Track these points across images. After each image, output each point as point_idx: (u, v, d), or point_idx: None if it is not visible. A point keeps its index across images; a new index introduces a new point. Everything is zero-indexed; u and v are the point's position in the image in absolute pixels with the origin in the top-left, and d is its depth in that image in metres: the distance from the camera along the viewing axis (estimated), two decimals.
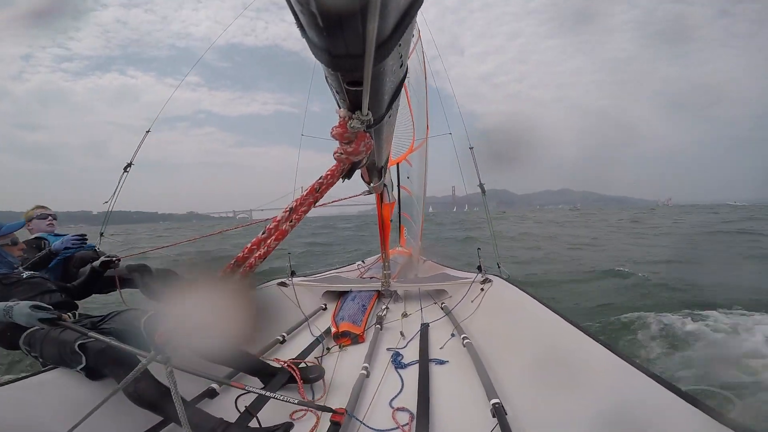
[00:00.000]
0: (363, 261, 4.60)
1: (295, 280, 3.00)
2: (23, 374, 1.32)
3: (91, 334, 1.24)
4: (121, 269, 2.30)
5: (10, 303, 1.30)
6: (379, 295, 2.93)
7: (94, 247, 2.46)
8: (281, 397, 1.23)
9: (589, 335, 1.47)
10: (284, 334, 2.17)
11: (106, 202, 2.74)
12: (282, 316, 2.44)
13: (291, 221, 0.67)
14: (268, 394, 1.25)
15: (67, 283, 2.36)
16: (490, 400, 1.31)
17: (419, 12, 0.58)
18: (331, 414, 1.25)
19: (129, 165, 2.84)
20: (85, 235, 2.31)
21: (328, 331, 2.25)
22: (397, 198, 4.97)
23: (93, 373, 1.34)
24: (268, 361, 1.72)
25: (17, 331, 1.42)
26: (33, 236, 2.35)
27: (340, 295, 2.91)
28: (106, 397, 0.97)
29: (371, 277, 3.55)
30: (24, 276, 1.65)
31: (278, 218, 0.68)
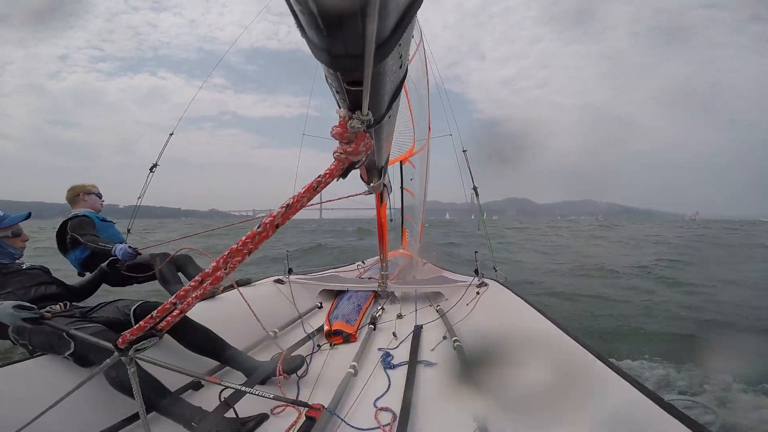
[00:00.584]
0: (363, 261, 4.60)
1: (292, 277, 3.00)
2: (12, 360, 1.34)
3: (72, 331, 1.28)
4: (144, 257, 2.40)
5: None
6: (376, 295, 2.94)
7: (124, 240, 2.55)
8: (257, 392, 1.25)
9: (579, 343, 1.46)
10: (276, 330, 2.18)
11: (140, 197, 2.91)
12: (276, 312, 2.45)
13: (285, 216, 0.69)
14: (244, 388, 1.26)
15: (85, 270, 2.43)
16: (473, 404, 1.31)
17: (426, 18, 0.58)
18: (306, 410, 1.26)
19: (155, 165, 2.93)
20: (138, 250, 2.35)
21: (320, 329, 2.26)
22: (400, 199, 4.99)
23: (82, 359, 1.35)
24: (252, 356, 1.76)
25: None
26: (79, 212, 2.51)
27: (337, 294, 2.92)
28: (79, 383, 1.01)
29: (369, 278, 3.56)
30: (24, 267, 1.67)
31: (274, 213, 0.69)
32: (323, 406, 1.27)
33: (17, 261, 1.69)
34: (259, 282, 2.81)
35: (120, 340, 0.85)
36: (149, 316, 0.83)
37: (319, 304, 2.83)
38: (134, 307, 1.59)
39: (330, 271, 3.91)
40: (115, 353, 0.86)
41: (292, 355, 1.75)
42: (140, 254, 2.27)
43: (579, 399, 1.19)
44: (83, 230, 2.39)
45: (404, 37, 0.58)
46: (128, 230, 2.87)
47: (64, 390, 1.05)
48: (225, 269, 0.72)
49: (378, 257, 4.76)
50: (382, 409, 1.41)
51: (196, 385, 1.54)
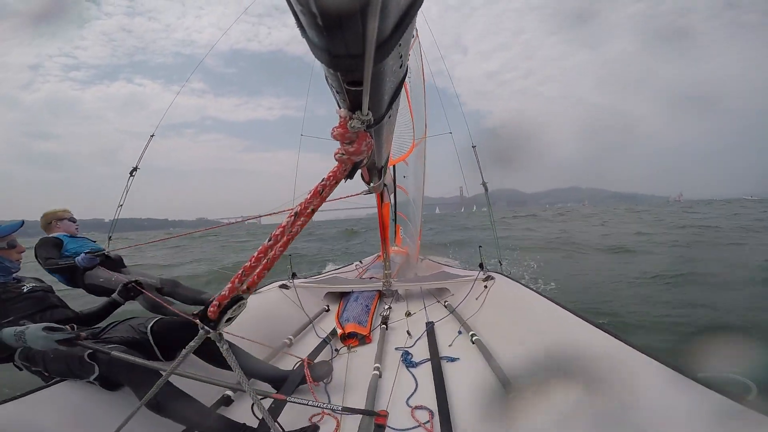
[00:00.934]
0: (361, 261, 4.61)
1: (296, 282, 3.00)
2: (30, 389, 1.24)
3: (114, 354, 1.21)
4: (148, 283, 2.41)
5: (20, 328, 1.21)
6: (381, 294, 2.94)
7: (102, 249, 2.52)
8: (305, 401, 1.23)
9: (595, 326, 1.49)
10: (291, 337, 2.18)
11: (120, 205, 2.82)
12: (286, 318, 2.45)
13: (296, 226, 0.67)
14: (293, 399, 1.25)
15: (72, 286, 2.42)
16: (508, 394, 1.32)
17: (421, 13, 0.58)
18: (371, 416, 1.26)
19: (135, 169, 2.89)
20: (103, 250, 2.46)
21: (333, 333, 2.25)
22: (393, 197, 4.99)
23: (107, 382, 1.28)
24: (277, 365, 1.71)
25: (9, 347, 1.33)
26: (52, 235, 2.48)
27: (342, 296, 2.92)
28: (132, 412, 0.95)
29: (371, 277, 3.56)
30: (24, 290, 1.54)
31: (284, 224, 0.67)
32: (388, 413, 1.27)
33: (14, 276, 1.58)
34: (264, 288, 2.81)
35: (209, 312, 0.74)
36: (228, 287, 0.73)
37: (327, 307, 2.83)
38: (151, 324, 1.51)
39: (331, 272, 3.92)
40: (201, 331, 0.75)
41: (316, 362, 1.72)
42: (102, 257, 2.36)
43: (605, 378, 1.21)
44: (43, 253, 2.33)
45: (404, 37, 0.57)
46: (109, 237, 2.82)
47: (98, 416, 1.03)
48: (242, 286, 0.69)
49: (375, 256, 4.76)
50: (417, 407, 1.42)
51: (226, 401, 1.51)
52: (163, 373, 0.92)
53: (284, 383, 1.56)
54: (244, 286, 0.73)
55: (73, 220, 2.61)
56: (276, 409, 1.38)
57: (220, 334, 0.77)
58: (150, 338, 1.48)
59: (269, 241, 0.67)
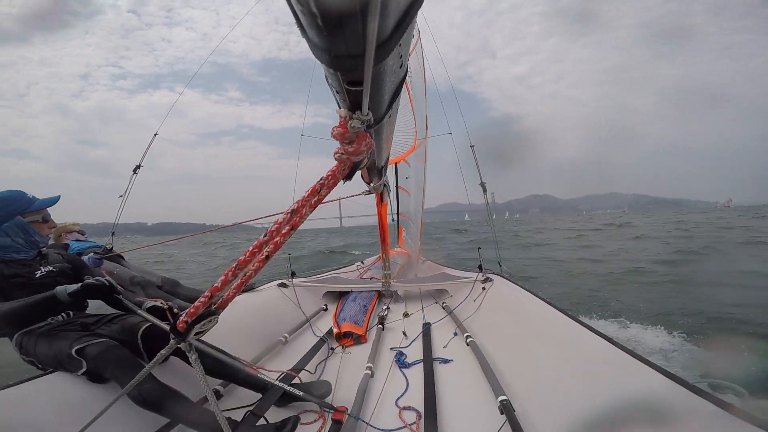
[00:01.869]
0: (362, 262, 4.61)
1: (295, 281, 3.00)
2: (22, 379, 1.28)
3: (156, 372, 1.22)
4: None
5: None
6: (380, 295, 2.94)
7: (102, 245, 2.60)
8: (288, 388, 1.25)
9: (591, 330, 1.48)
10: (286, 335, 2.17)
11: (123, 198, 2.90)
12: (283, 316, 2.45)
13: (292, 223, 0.67)
14: (286, 387, 1.27)
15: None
16: (497, 397, 1.32)
17: (422, 13, 0.58)
18: (332, 412, 1.25)
19: (138, 167, 2.91)
20: (105, 247, 2.59)
21: (330, 332, 2.25)
22: (396, 198, 4.99)
23: (95, 376, 1.31)
24: (266, 371, 1.62)
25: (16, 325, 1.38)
26: (62, 243, 2.72)
27: (341, 296, 2.92)
28: (109, 403, 0.97)
29: (371, 278, 3.56)
30: (37, 276, 1.48)
31: (280, 221, 0.67)
32: (347, 409, 1.27)
33: (41, 249, 1.55)
34: (262, 287, 2.81)
35: (178, 324, 0.78)
36: (202, 297, 0.76)
37: (325, 307, 2.83)
38: (142, 329, 1.48)
39: (331, 273, 3.92)
40: (172, 340, 0.80)
41: (318, 380, 1.63)
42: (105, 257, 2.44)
43: (599, 383, 1.21)
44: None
45: (404, 37, 0.57)
46: (112, 234, 2.90)
47: (84, 409, 1.05)
48: (234, 280, 0.70)
49: (377, 257, 4.76)
50: (405, 408, 1.42)
51: (215, 395, 1.48)
52: (157, 374, 0.94)
53: (266, 392, 1.48)
54: (217, 303, 0.78)
55: (81, 233, 2.83)
56: (260, 409, 1.37)
57: (190, 345, 0.82)
58: (140, 344, 1.46)
59: (265, 236, 0.67)
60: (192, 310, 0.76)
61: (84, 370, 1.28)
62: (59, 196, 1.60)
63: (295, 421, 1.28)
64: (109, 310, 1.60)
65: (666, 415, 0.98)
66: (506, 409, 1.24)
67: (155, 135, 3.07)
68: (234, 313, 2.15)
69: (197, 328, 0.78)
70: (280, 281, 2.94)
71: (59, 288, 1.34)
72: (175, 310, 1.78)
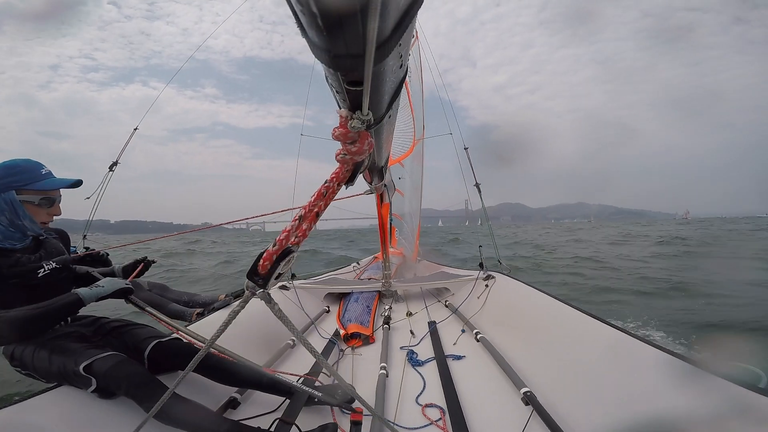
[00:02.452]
0: (358, 262, 4.61)
1: (296, 283, 3.00)
2: (25, 393, 1.20)
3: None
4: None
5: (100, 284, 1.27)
6: (381, 295, 2.94)
7: (75, 249, 2.49)
8: (316, 394, 1.26)
9: (599, 320, 1.50)
10: (293, 338, 2.17)
11: (97, 198, 2.76)
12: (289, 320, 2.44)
13: (301, 230, 0.65)
14: (305, 388, 1.27)
15: None
16: (519, 389, 1.34)
17: (418, 15, 0.58)
18: (351, 414, 1.25)
19: (114, 164, 2.84)
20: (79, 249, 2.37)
21: (336, 334, 2.25)
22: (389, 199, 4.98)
23: (106, 393, 1.21)
24: (285, 374, 1.52)
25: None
26: None
27: (342, 297, 2.91)
28: (140, 425, 0.89)
29: (369, 278, 3.56)
30: (40, 275, 1.25)
31: (288, 228, 0.64)
32: (363, 410, 1.26)
33: (36, 233, 1.27)
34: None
35: (260, 265, 0.64)
36: (273, 244, 0.65)
37: (327, 308, 2.83)
38: (149, 348, 1.38)
39: (329, 274, 3.92)
40: (246, 293, 0.66)
41: (334, 384, 1.55)
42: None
43: (616, 370, 1.24)
44: None
45: (404, 37, 0.57)
46: (84, 236, 2.77)
47: (96, 426, 1.03)
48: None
49: (372, 257, 4.76)
50: (427, 405, 1.42)
51: (233, 404, 1.47)
52: (168, 386, 0.89)
53: (289, 394, 1.45)
54: (292, 239, 0.65)
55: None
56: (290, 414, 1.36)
57: (269, 294, 0.70)
58: (146, 362, 1.37)
59: (274, 246, 0.64)
60: (271, 250, 0.64)
61: (94, 387, 1.16)
62: (81, 181, 1.29)
63: (333, 428, 1.24)
64: (99, 314, 1.51)
65: (679, 396, 0.99)
66: (531, 399, 1.26)
67: (135, 129, 3.01)
68: (237, 318, 2.14)
69: (280, 268, 0.65)
70: (280, 284, 2.93)
71: (83, 290, 1.21)
72: (149, 259, 1.81)
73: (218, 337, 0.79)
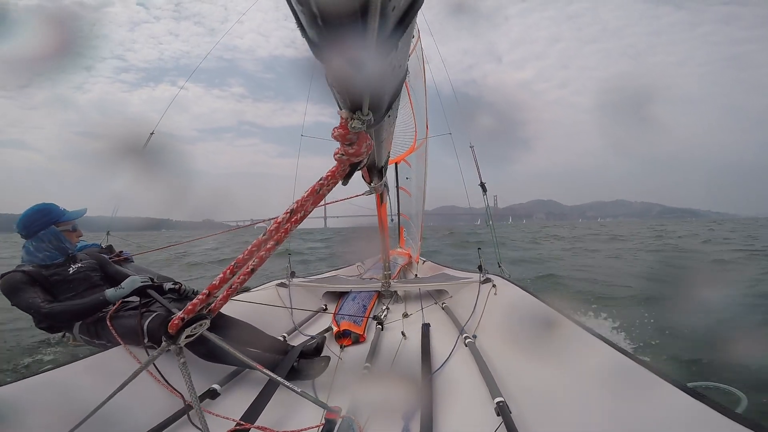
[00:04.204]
0: (363, 262, 4.60)
1: (295, 281, 2.99)
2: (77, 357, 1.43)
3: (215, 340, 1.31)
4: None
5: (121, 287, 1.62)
6: (380, 295, 2.93)
7: (99, 244, 2.55)
8: (288, 384, 1.24)
9: (593, 334, 1.47)
10: (285, 335, 2.17)
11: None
12: (281, 316, 2.44)
13: (291, 223, 0.67)
14: (279, 379, 1.27)
15: None
16: (494, 399, 1.31)
17: (422, 14, 0.58)
18: (326, 412, 1.25)
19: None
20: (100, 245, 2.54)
21: (328, 331, 2.25)
22: (396, 199, 4.98)
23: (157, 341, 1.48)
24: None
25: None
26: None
27: (341, 296, 2.91)
28: (127, 379, 1.01)
29: (371, 278, 3.56)
30: (70, 272, 1.71)
31: (279, 219, 0.67)
32: (341, 409, 1.26)
33: (70, 256, 1.76)
34: (260, 287, 2.80)
35: (169, 327, 0.82)
36: (200, 295, 0.79)
37: (324, 307, 2.82)
38: (147, 321, 1.54)
39: (331, 272, 3.91)
40: (164, 343, 0.84)
41: (315, 359, 1.74)
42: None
43: (599, 388, 1.21)
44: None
45: (404, 37, 0.57)
46: (107, 233, 2.95)
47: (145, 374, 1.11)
48: (231, 278, 0.71)
49: (378, 257, 4.76)
50: (403, 408, 1.40)
51: (212, 394, 1.52)
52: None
53: (275, 367, 1.57)
54: (210, 306, 0.80)
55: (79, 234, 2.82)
56: (264, 398, 1.39)
57: (180, 348, 0.85)
58: (146, 335, 1.52)
59: (264, 235, 0.68)
60: (189, 308, 0.77)
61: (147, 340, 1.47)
62: (86, 209, 1.86)
63: (320, 340, 1.63)
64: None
65: (665, 418, 0.97)
66: (502, 410, 1.23)
67: (151, 134, 3.02)
68: (232, 312, 2.16)
69: (188, 331, 0.80)
70: (279, 281, 2.93)
71: (108, 291, 1.61)
72: (185, 289, 1.90)
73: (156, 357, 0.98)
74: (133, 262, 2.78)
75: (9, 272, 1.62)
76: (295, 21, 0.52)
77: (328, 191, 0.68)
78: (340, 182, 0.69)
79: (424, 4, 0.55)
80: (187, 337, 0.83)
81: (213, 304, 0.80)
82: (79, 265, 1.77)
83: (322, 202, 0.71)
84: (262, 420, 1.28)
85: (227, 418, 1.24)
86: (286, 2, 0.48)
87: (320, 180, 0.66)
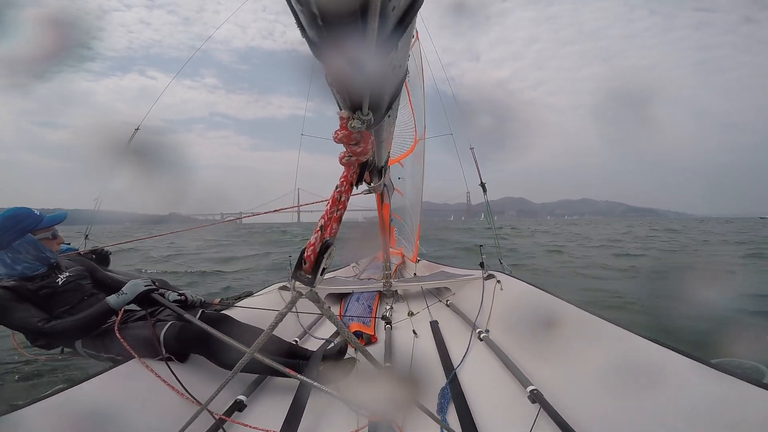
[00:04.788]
0: (357, 263, 4.60)
1: (297, 283, 2.99)
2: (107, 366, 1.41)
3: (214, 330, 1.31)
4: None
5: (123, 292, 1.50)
6: (381, 295, 2.94)
7: (77, 249, 2.49)
8: (327, 390, 1.22)
9: (605, 319, 1.49)
10: (296, 339, 2.17)
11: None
12: (287, 321, 2.43)
13: (324, 236, 0.66)
14: (317, 385, 1.24)
15: None
16: (526, 388, 1.33)
17: (420, 14, 0.58)
18: (369, 415, 1.22)
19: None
20: (77, 250, 2.39)
21: (337, 334, 2.24)
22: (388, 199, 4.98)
23: (179, 356, 1.48)
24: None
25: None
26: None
27: (342, 298, 2.91)
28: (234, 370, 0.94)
29: (369, 278, 3.56)
30: (60, 283, 1.56)
31: (313, 242, 0.64)
32: (381, 413, 1.23)
33: (51, 261, 1.60)
34: (263, 291, 2.79)
35: (304, 266, 0.67)
36: (314, 232, 0.67)
37: (328, 308, 2.81)
38: (164, 330, 1.48)
39: (329, 274, 3.91)
40: (293, 294, 0.74)
41: (341, 360, 1.70)
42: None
43: (624, 368, 1.22)
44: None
45: (404, 37, 0.57)
46: (86, 237, 2.89)
47: (165, 388, 1.13)
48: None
49: (372, 257, 4.76)
50: (438, 405, 1.41)
51: (240, 406, 1.45)
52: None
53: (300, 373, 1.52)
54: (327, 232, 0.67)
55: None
56: (300, 395, 1.36)
57: (317, 294, 0.73)
58: (163, 348, 1.45)
59: (304, 263, 0.66)
60: (311, 242, 0.65)
61: (165, 351, 1.41)
62: (66, 214, 1.70)
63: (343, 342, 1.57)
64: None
65: (691, 396, 0.97)
66: (537, 397, 1.26)
67: (136, 130, 2.99)
68: (238, 318, 2.14)
69: (323, 263, 0.67)
70: (281, 285, 2.93)
71: (111, 298, 1.49)
72: (190, 299, 1.89)
73: (263, 342, 0.85)
74: (110, 254, 2.70)
75: None
76: (294, 21, 0.52)
77: (348, 198, 0.67)
78: (356, 185, 0.69)
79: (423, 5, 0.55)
80: (323, 271, 0.67)
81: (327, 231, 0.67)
82: (68, 274, 1.62)
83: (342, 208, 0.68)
84: (303, 429, 1.24)
85: (264, 431, 1.20)
86: (285, 2, 0.48)
87: (337, 189, 0.66)
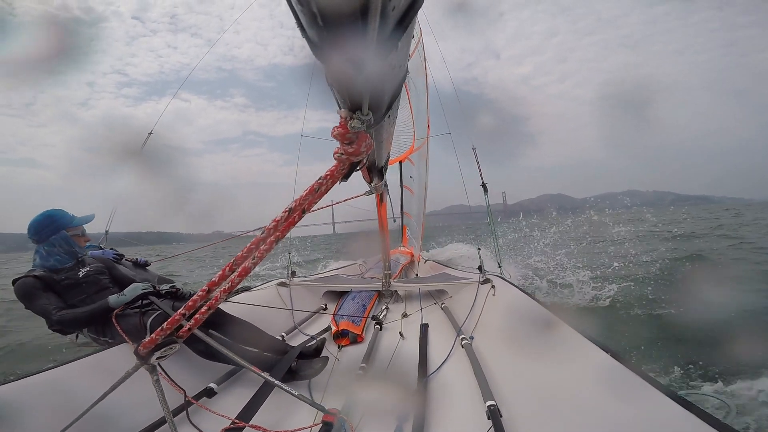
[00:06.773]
0: (365, 260, 4.59)
1: (295, 280, 2.99)
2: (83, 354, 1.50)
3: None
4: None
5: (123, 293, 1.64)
6: (380, 295, 2.93)
7: (99, 245, 2.60)
8: (285, 387, 1.24)
9: (587, 338, 1.45)
10: (283, 334, 2.17)
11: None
12: (281, 316, 2.44)
13: (289, 222, 0.67)
14: (276, 382, 1.26)
15: None
16: (485, 402, 1.29)
17: (423, 14, 0.58)
18: (323, 414, 1.24)
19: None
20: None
21: (326, 331, 2.25)
22: (400, 197, 4.98)
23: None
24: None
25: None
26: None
27: (341, 296, 2.91)
28: (101, 396, 1.03)
29: (372, 278, 3.56)
30: (80, 276, 1.76)
31: (277, 218, 0.67)
32: (338, 411, 1.26)
33: (80, 258, 1.82)
34: (261, 286, 2.80)
35: (140, 348, 0.86)
36: (161, 327, 0.85)
37: (324, 306, 2.82)
38: (150, 319, 1.61)
39: (332, 271, 3.91)
40: (136, 362, 0.88)
41: (314, 360, 1.74)
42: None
43: (592, 394, 1.19)
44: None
45: (404, 37, 0.57)
46: (106, 232, 3.10)
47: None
48: (230, 276, 0.71)
49: (380, 256, 4.75)
50: (396, 410, 1.39)
51: (209, 393, 1.54)
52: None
53: (273, 368, 1.58)
54: (187, 325, 0.83)
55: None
56: (259, 398, 1.40)
57: (153, 367, 0.88)
58: (148, 333, 1.54)
59: (262, 233, 0.68)
60: (189, 305, 0.79)
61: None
62: (93, 215, 1.95)
63: (321, 342, 1.67)
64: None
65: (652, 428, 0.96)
66: (493, 414, 1.21)
67: (150, 134, 3.02)
68: (233, 311, 2.16)
69: (159, 353, 0.85)
70: (279, 281, 2.93)
71: (111, 298, 1.64)
72: (183, 292, 1.95)
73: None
74: (149, 265, 2.82)
75: (21, 277, 1.66)
76: (294, 21, 0.52)
77: (327, 190, 0.68)
78: (339, 182, 0.69)
79: (423, 4, 0.54)
80: (158, 358, 0.87)
81: (210, 302, 0.81)
82: (88, 268, 1.83)
83: (324, 203, 0.71)
84: (257, 419, 1.27)
85: (223, 416, 1.24)
86: (286, 2, 0.48)
87: (319, 179, 0.66)
